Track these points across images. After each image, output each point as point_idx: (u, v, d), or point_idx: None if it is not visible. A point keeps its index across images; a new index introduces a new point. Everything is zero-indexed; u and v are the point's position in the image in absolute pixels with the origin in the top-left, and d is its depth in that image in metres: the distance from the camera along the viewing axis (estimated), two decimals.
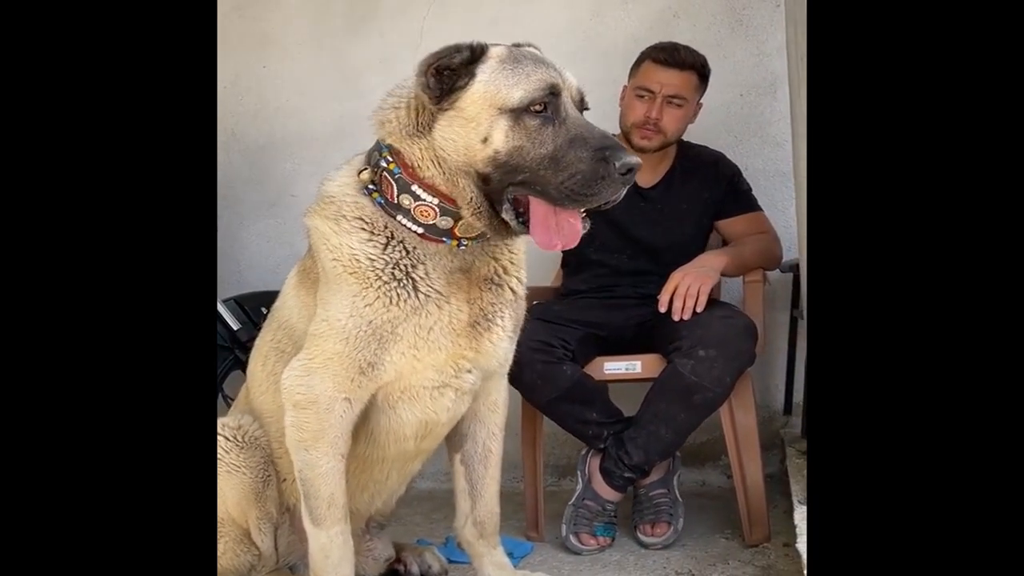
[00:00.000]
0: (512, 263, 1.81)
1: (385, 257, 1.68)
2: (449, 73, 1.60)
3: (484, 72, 1.59)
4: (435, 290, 1.69)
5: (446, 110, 1.61)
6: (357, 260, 1.68)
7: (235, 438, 1.91)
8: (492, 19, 3.45)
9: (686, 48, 2.61)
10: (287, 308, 1.89)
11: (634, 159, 1.54)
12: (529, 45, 1.71)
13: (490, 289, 1.76)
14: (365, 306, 1.67)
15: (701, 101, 2.67)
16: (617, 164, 1.52)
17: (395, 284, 1.67)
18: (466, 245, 1.69)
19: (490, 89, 1.58)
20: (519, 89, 1.57)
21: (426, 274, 1.69)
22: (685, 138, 2.72)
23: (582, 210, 1.61)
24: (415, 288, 1.68)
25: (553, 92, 1.58)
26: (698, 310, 2.36)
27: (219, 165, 3.77)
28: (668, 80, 2.56)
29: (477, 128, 1.58)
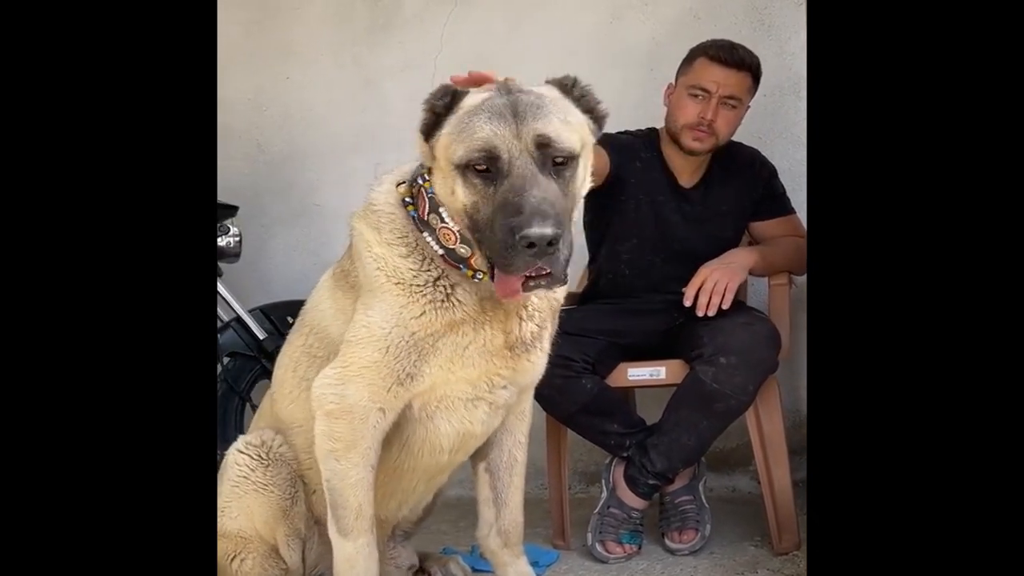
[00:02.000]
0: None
1: (425, 274, 1.67)
2: (434, 117, 1.60)
3: (449, 123, 1.57)
4: (470, 314, 1.67)
5: (435, 156, 1.61)
6: (400, 272, 1.68)
7: (260, 456, 1.91)
8: (511, 25, 3.45)
9: (743, 47, 2.52)
10: (320, 311, 1.88)
11: (535, 231, 1.42)
12: (516, 89, 1.59)
13: (532, 317, 1.73)
14: (411, 318, 1.66)
15: (749, 104, 2.59)
16: (517, 236, 1.44)
17: (441, 300, 1.66)
18: (480, 279, 1.66)
19: (446, 141, 1.57)
20: (461, 147, 1.54)
21: (463, 296, 1.67)
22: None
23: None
24: (455, 306, 1.67)
25: (491, 154, 1.52)
26: (724, 307, 2.32)
27: (244, 176, 3.81)
28: (725, 80, 2.47)
29: (446, 179, 1.58)
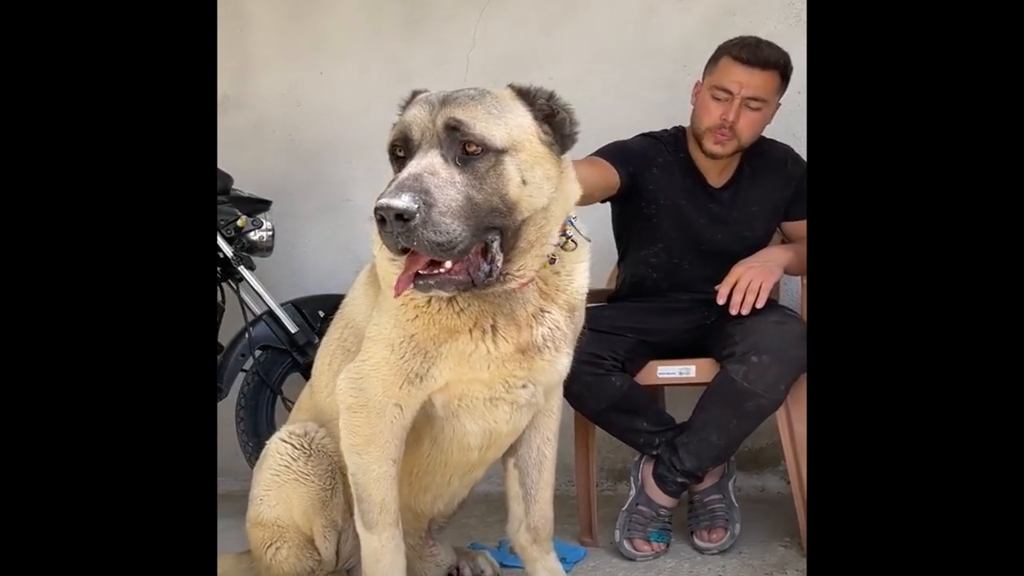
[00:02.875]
0: (563, 288, 1.73)
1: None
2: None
3: None
4: (467, 323, 1.65)
5: None
6: (388, 275, 1.68)
7: (303, 446, 1.92)
8: (545, 21, 3.45)
9: (769, 45, 2.43)
10: (355, 305, 1.90)
11: (381, 202, 1.40)
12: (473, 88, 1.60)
13: (542, 322, 1.70)
14: (406, 320, 1.67)
15: (780, 102, 2.53)
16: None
17: (434, 310, 1.65)
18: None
19: None
20: (391, 134, 1.56)
21: (462, 303, 1.65)
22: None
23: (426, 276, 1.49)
24: (452, 313, 1.65)
25: (405, 137, 1.52)
26: (758, 306, 2.31)
27: (276, 170, 3.84)
28: (748, 80, 2.39)
29: None
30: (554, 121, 1.59)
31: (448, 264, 1.48)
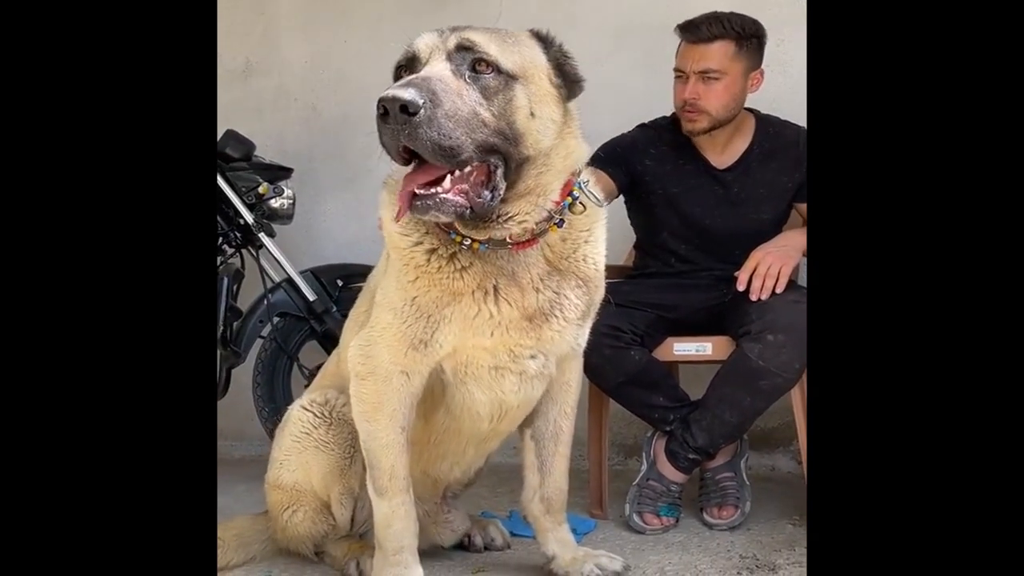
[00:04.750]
0: (570, 255, 1.72)
1: (407, 239, 1.67)
2: None
3: None
4: (470, 285, 1.65)
5: None
6: (393, 237, 1.69)
7: (323, 414, 1.96)
8: None
9: (710, 19, 2.45)
10: (379, 276, 1.91)
11: (387, 93, 1.38)
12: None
13: (549, 287, 1.70)
14: (407, 282, 1.68)
15: (762, 68, 2.51)
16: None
17: (434, 269, 1.66)
18: (470, 244, 1.62)
19: None
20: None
21: (464, 265, 1.65)
22: (769, 112, 2.62)
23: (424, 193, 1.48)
24: (454, 276, 1.65)
25: (413, 56, 1.53)
26: (778, 291, 2.31)
27: (298, 139, 3.85)
28: (695, 56, 2.44)
29: None
30: (564, 69, 1.61)
31: (447, 183, 1.47)
